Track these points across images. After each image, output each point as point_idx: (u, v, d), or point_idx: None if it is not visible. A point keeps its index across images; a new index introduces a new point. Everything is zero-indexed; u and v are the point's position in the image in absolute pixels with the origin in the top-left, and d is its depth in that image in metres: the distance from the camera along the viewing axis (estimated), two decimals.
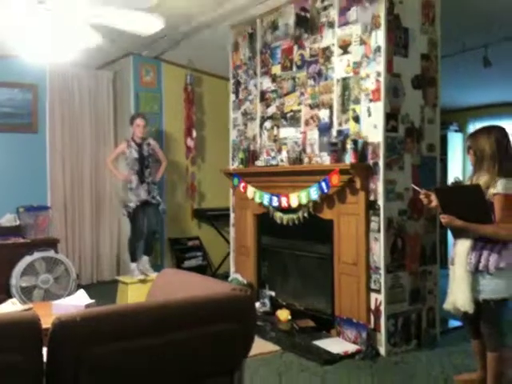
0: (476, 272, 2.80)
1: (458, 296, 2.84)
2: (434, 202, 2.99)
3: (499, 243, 2.77)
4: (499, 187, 2.75)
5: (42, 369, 1.74)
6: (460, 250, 2.86)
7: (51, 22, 3.05)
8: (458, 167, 7.56)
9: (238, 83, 5.25)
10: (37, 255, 4.87)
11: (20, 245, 5.14)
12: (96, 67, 6.31)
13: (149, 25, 3.24)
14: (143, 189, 5.26)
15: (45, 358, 1.74)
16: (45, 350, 1.73)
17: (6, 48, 3.76)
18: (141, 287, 4.97)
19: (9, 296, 4.46)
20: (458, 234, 2.91)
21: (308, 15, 4.38)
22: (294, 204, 4.26)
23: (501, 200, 2.74)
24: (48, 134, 5.94)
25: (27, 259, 4.82)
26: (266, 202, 4.57)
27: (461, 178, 2.98)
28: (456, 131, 7.76)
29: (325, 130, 4.23)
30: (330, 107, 4.17)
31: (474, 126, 7.11)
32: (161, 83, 6.32)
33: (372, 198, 3.83)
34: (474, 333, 3.05)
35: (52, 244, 5.22)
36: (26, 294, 4.74)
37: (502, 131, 2.91)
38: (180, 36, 5.39)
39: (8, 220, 5.43)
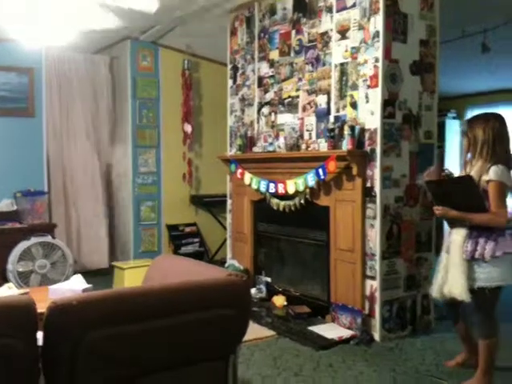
0: (472, 260, 2.82)
1: (454, 285, 2.85)
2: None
3: (495, 231, 2.78)
4: (492, 174, 2.76)
5: (38, 353, 1.75)
6: (456, 239, 2.87)
7: (46, 2, 3.02)
8: (455, 154, 7.56)
9: (235, 68, 5.22)
10: (33, 240, 4.87)
11: (17, 230, 5.13)
12: (93, 51, 6.25)
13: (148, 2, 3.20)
14: None
15: (40, 342, 1.75)
16: (40, 335, 1.74)
17: (1, 32, 3.71)
18: (137, 272, 4.97)
19: (5, 281, 4.47)
20: (454, 223, 2.92)
21: None
22: (291, 190, 4.26)
23: (494, 187, 2.75)
24: (45, 117, 5.89)
25: (24, 244, 4.81)
26: (262, 189, 4.57)
27: (451, 170, 2.99)
28: (454, 118, 7.75)
29: (322, 116, 4.21)
30: (328, 93, 4.15)
31: (472, 113, 7.10)
32: (158, 68, 6.26)
33: (369, 184, 3.82)
34: (456, 317, 3.14)
35: (49, 229, 5.22)
36: (23, 279, 4.74)
37: (499, 118, 2.91)
38: (178, 20, 5.33)
39: (5, 205, 5.42)
